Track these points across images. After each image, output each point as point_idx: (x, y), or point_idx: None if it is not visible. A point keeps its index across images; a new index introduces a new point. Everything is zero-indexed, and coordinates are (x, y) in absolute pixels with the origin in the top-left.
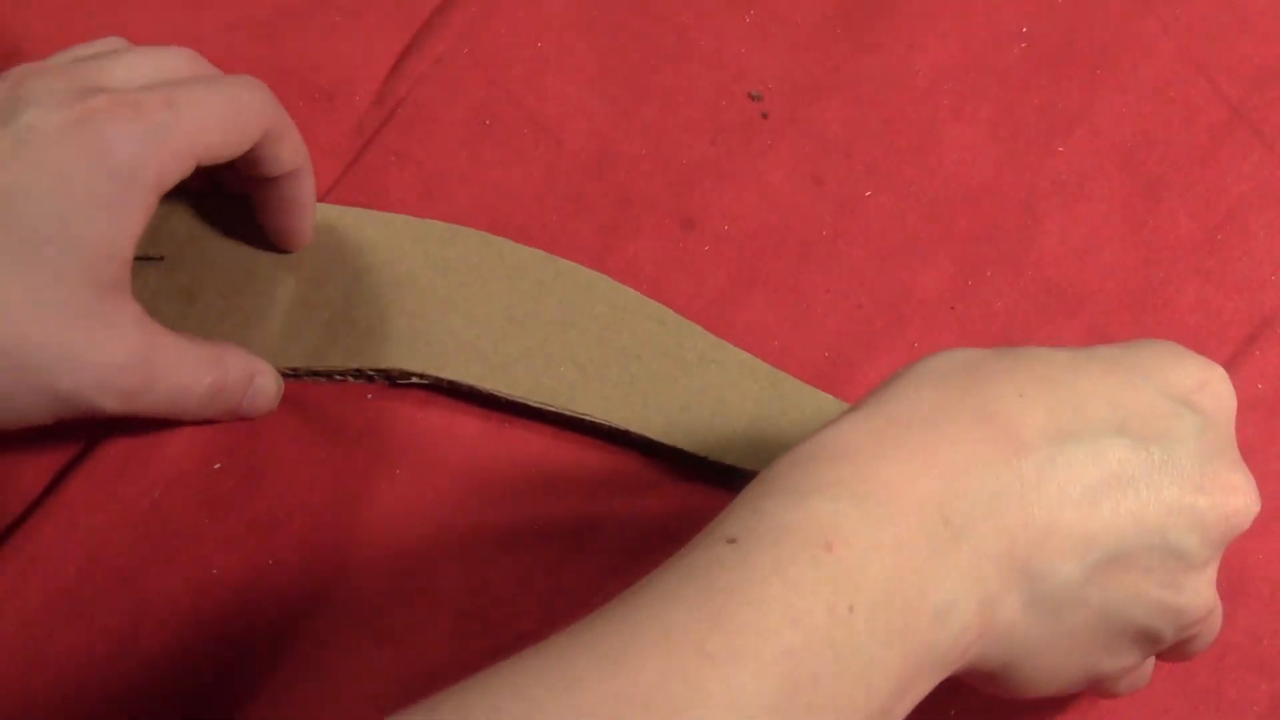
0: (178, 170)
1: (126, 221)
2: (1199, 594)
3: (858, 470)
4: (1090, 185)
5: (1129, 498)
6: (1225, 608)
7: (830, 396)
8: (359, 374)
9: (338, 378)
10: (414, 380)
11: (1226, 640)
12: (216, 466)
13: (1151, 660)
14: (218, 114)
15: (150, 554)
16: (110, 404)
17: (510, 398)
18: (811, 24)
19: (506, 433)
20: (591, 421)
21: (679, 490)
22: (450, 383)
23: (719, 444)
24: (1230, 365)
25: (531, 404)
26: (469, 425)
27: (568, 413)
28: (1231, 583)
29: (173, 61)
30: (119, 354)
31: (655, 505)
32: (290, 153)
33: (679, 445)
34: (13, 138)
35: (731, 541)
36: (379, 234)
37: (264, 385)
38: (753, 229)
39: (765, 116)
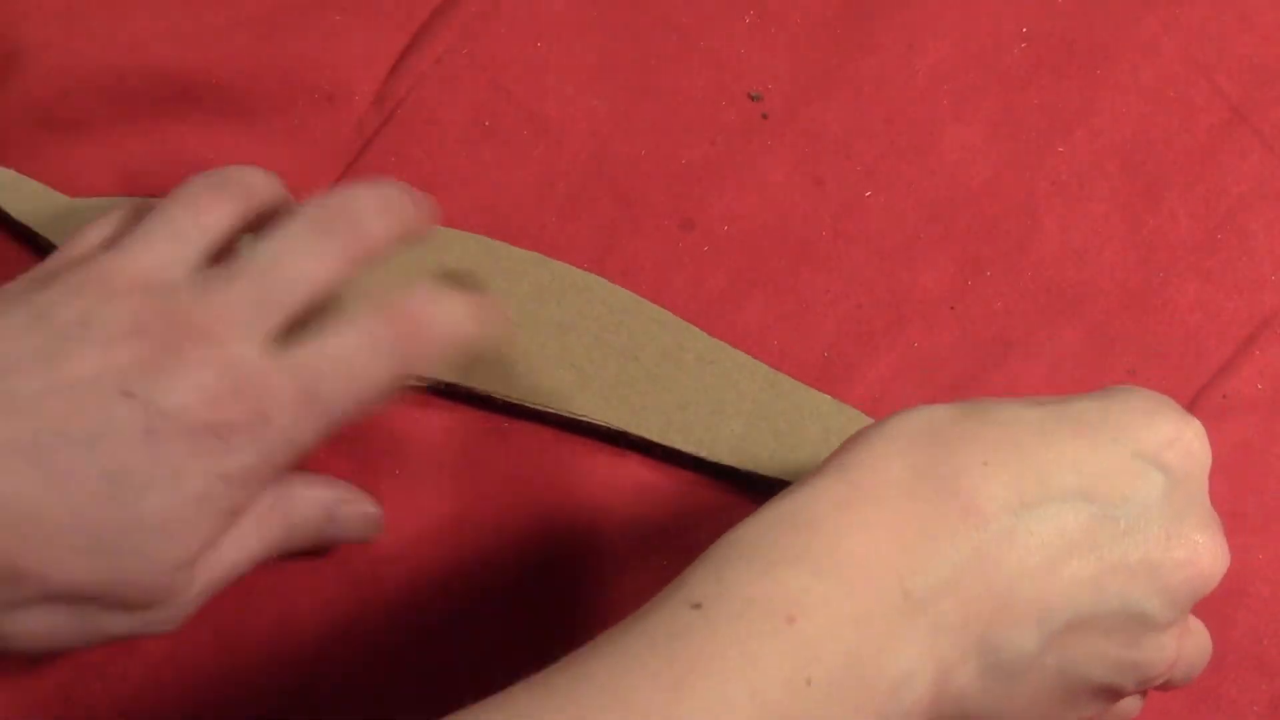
0: (286, 467)
1: (226, 520)
2: (1161, 650)
3: (821, 541)
4: (1090, 185)
5: (1090, 564)
6: (1225, 608)
7: (828, 397)
8: None
9: None
10: (412, 383)
11: (1226, 640)
12: None
13: (1136, 700)
14: (353, 399)
15: None
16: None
17: (509, 399)
18: (811, 24)
19: (505, 434)
20: (590, 423)
21: (678, 491)
22: (448, 385)
23: (717, 444)
24: (1230, 365)
25: (530, 406)
26: (468, 426)
27: (566, 414)
28: (1231, 583)
29: (313, 264)
30: (177, 620)
31: (654, 505)
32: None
33: (677, 446)
34: (144, 420)
35: (696, 607)
36: None
37: (348, 516)
38: (752, 229)
39: (765, 117)
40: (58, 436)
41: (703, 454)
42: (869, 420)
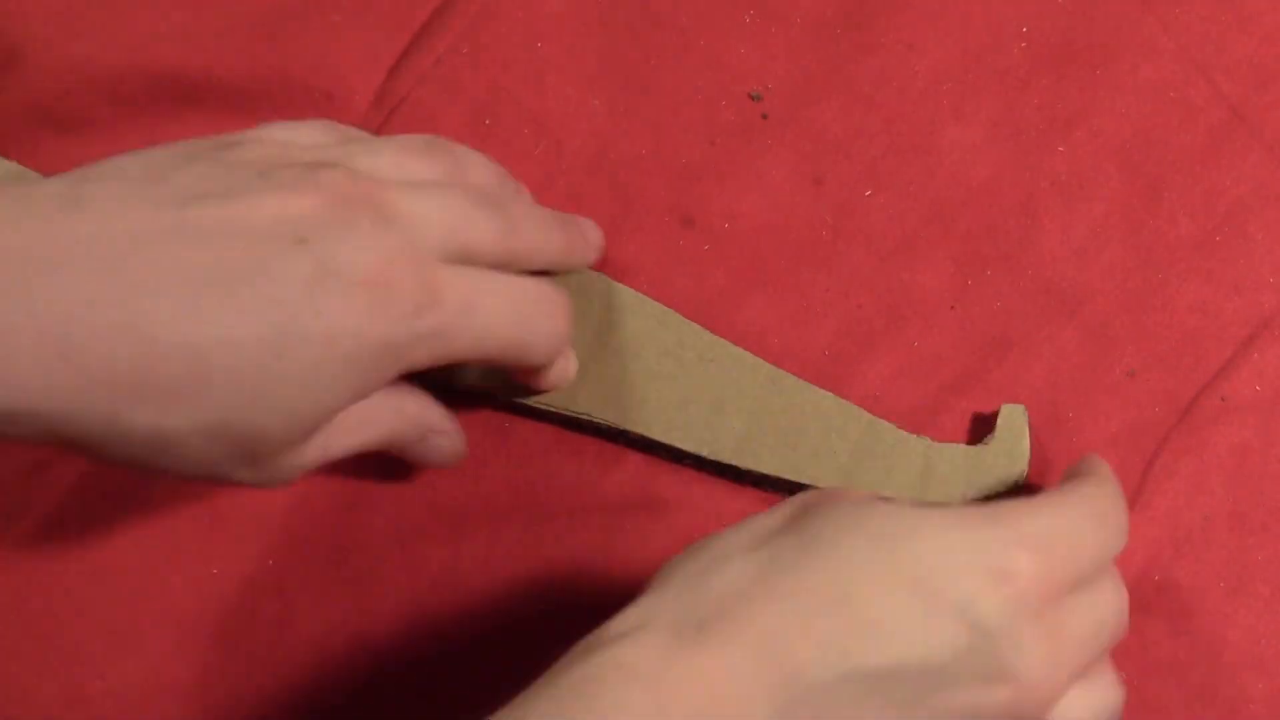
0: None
1: (359, 391)
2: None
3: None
4: (1090, 185)
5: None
6: (1225, 607)
7: (830, 395)
8: None
9: None
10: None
11: (1226, 640)
12: None
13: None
14: (505, 337)
15: (150, 555)
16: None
17: (509, 398)
18: (811, 24)
19: (506, 433)
20: (591, 421)
21: (678, 489)
22: (449, 383)
23: (719, 443)
24: (1229, 366)
25: (530, 404)
26: (469, 425)
27: (567, 412)
28: (1231, 583)
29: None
30: (287, 480)
31: (655, 504)
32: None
33: (678, 444)
34: (311, 269)
35: None
36: None
37: (438, 444)
38: (753, 229)
39: (765, 117)
40: (229, 272)
41: (704, 452)
42: (871, 418)
